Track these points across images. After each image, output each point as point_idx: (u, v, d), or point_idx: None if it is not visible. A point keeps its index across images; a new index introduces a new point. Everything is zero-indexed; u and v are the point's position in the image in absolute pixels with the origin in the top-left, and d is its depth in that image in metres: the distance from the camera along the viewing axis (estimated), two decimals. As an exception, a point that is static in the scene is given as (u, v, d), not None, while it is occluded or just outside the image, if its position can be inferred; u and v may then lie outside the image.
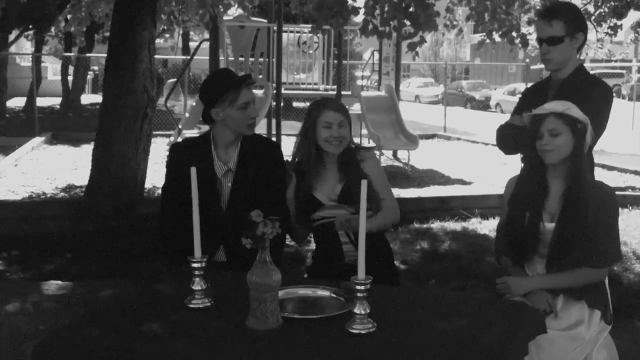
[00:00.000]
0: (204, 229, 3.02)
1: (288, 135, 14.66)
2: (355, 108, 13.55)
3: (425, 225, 7.19)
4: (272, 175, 3.28)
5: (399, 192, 8.30)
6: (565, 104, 2.90)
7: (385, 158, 12.10)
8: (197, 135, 3.53)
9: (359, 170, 3.25)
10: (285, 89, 12.31)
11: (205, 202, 3.09)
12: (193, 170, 2.47)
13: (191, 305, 2.46)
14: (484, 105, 31.22)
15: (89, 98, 25.20)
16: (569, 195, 2.83)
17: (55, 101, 22.92)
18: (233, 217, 3.15)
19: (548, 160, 2.87)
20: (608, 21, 8.95)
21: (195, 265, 2.48)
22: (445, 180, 10.31)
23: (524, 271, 2.96)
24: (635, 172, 10.11)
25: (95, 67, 29.27)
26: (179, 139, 10.70)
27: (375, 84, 13.84)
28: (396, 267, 3.47)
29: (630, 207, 7.86)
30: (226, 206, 3.25)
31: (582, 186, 2.83)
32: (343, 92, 12.24)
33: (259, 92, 11.32)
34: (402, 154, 12.14)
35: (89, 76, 26.09)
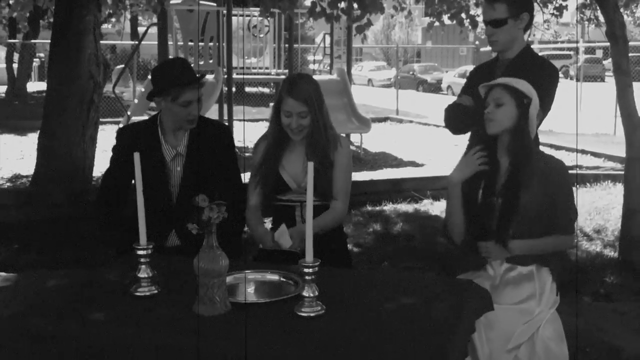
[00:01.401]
0: (154, 215, 3.02)
1: (240, 120, 14.57)
2: (308, 92, 13.50)
3: (378, 208, 7.23)
4: (224, 158, 3.29)
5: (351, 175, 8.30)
6: (518, 80, 2.93)
7: (338, 142, 12.08)
8: (145, 119, 3.47)
9: (326, 157, 3.17)
10: (237, 74, 12.18)
11: (154, 187, 3.08)
12: (136, 155, 2.42)
13: (137, 293, 2.42)
14: (435, 87, 31.47)
15: (36, 86, 24.59)
16: (513, 167, 2.87)
17: (1, 89, 22.33)
18: (184, 201, 3.12)
19: (489, 130, 2.90)
20: (554, 2, 9.06)
21: (140, 252, 2.43)
22: (398, 163, 10.37)
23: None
24: (582, 151, 10.29)
25: (42, 54, 28.57)
26: (128, 126, 10.54)
27: (327, 67, 13.79)
28: (349, 251, 3.45)
29: (577, 186, 8.02)
30: (177, 191, 3.24)
31: (526, 157, 2.86)
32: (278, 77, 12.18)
33: (209, 77, 11.19)
34: (354, 138, 12.15)
35: (35, 63, 25.47)
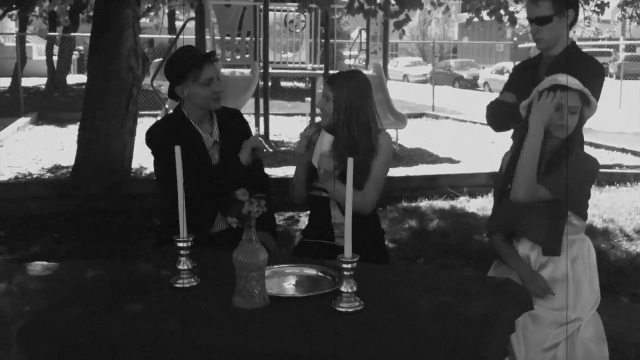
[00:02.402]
0: (201, 202, 3.05)
1: (276, 114, 14.64)
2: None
3: (413, 204, 7.20)
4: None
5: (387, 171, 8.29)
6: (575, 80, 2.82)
7: (374, 137, 12.05)
8: (165, 115, 3.51)
9: (351, 145, 3.12)
10: (273, 68, 12.22)
11: (202, 175, 3.10)
12: (177, 149, 2.43)
13: (177, 285, 2.44)
14: (472, 84, 31.20)
15: (75, 78, 24.96)
16: (554, 158, 2.81)
17: (41, 81, 22.68)
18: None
19: (563, 135, 2.80)
20: (595, -1, 8.93)
21: (180, 244, 2.45)
22: (434, 159, 10.31)
23: (513, 248, 2.95)
24: (622, 150, 10.13)
25: (81, 47, 28.97)
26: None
27: (363, 63, 13.75)
28: (385, 247, 3.42)
29: (617, 185, 7.88)
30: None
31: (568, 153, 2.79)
32: (330, 71, 12.17)
33: (246, 72, 11.24)
34: (390, 133, 12.10)
35: (74, 56, 25.82)
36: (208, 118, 3.30)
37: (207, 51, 3.26)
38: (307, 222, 3.44)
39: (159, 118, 11.42)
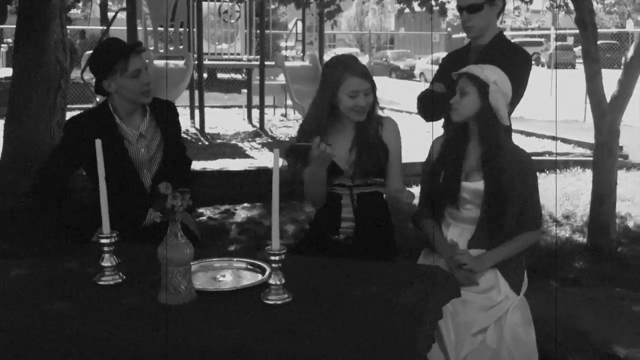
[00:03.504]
0: (128, 198, 3.03)
1: (212, 107, 14.48)
2: (280, 79, 13.43)
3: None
4: (175, 135, 3.34)
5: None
6: (483, 67, 2.92)
7: (311, 128, 12.05)
8: (92, 107, 3.43)
9: (377, 138, 3.09)
10: (208, 60, 12.08)
11: (119, 171, 3.03)
12: (98, 142, 2.36)
13: (101, 282, 2.38)
14: (408, 74, 31.53)
15: (4, 72, 24.08)
16: (487, 156, 2.88)
17: (-33, 75, 21.91)
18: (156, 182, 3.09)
19: (453, 118, 2.94)
20: (525, -11, 9.11)
21: (104, 240, 2.38)
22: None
23: (442, 235, 2.99)
24: (553, 138, 10.36)
25: (10, 40, 28.05)
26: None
27: (300, 54, 13.72)
28: (395, 243, 3.25)
29: (547, 172, 8.08)
30: (147, 172, 3.21)
31: (498, 147, 2.87)
32: (267, 63, 12.11)
33: (180, 63, 11.08)
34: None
35: (2, 49, 25.01)
36: (140, 111, 3.22)
37: (133, 42, 3.17)
38: (312, 220, 3.32)
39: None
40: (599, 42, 5.23)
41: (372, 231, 3.09)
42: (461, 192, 2.92)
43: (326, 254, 2.99)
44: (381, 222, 3.17)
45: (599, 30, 5.29)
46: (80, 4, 17.02)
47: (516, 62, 3.37)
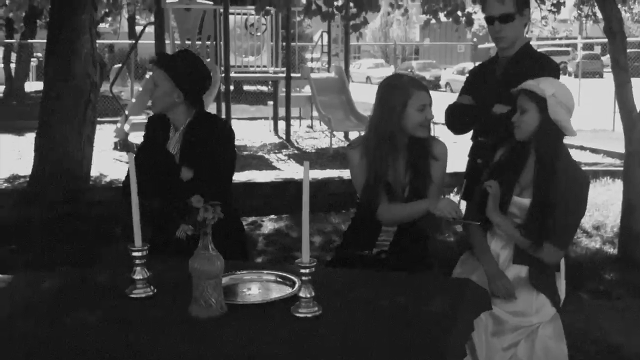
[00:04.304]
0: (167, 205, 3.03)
1: (239, 119, 14.56)
2: (306, 90, 13.49)
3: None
4: (214, 153, 3.14)
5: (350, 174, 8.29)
6: (539, 80, 2.82)
7: (337, 140, 12.08)
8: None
9: (429, 154, 3.01)
10: (234, 72, 12.16)
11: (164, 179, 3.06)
12: (130, 156, 2.39)
13: (132, 295, 2.40)
14: (434, 85, 31.41)
15: (33, 85, 24.47)
16: (541, 174, 2.79)
17: (-2, 90, 22.28)
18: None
19: (517, 136, 2.84)
20: (551, -2, 9.05)
21: (136, 254, 2.41)
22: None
23: (486, 242, 2.95)
24: (581, 148, 10.26)
25: (39, 54, 28.48)
26: (126, 125, 10.50)
27: (325, 65, 13.76)
28: (430, 257, 3.18)
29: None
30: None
31: (552, 165, 2.78)
32: (293, 75, 12.17)
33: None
34: (353, 135, 12.12)
35: (32, 63, 25.37)
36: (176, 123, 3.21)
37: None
38: (346, 232, 3.26)
39: (118, 125, 11.31)
40: (627, 51, 5.18)
41: (407, 245, 3.05)
42: (510, 206, 2.85)
43: (359, 267, 2.97)
44: (419, 236, 3.12)
45: (627, 39, 5.25)
46: (109, 19, 17.19)
47: (544, 72, 3.32)
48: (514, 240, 2.85)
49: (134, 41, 13.93)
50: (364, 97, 21.23)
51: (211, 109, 11.35)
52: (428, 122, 2.95)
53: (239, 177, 8.07)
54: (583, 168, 8.52)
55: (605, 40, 5.18)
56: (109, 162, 9.39)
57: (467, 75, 3.81)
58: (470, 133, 3.60)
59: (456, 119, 3.57)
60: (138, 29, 20.21)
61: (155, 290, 2.42)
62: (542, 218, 2.76)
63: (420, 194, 2.98)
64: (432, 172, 3.00)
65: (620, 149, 5.82)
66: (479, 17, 8.72)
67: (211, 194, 3.19)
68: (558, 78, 3.41)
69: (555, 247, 2.80)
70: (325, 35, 13.84)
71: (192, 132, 3.15)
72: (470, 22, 8.09)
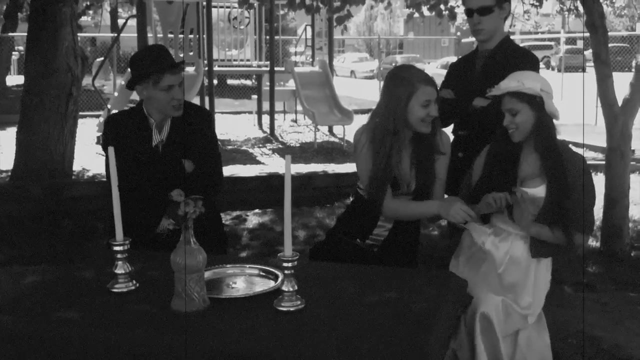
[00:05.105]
0: (147, 203, 2.96)
1: (222, 113, 14.51)
2: (290, 84, 13.46)
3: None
4: (204, 144, 3.20)
5: (334, 168, 8.29)
6: (520, 78, 2.80)
7: (321, 134, 12.08)
8: (129, 108, 3.33)
9: (434, 149, 2.96)
10: (218, 66, 12.11)
11: (145, 175, 3.02)
12: (111, 149, 2.38)
13: (114, 290, 2.38)
14: (418, 79, 31.46)
15: (15, 79, 24.25)
16: (548, 162, 2.78)
17: (-21, 83, 22.01)
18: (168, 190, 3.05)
19: (515, 139, 2.82)
20: (534, -8, 9.09)
21: (117, 248, 2.39)
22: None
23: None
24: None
25: (21, 47, 28.21)
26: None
27: (309, 59, 13.73)
28: (416, 252, 3.17)
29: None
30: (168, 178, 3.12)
31: (556, 151, 2.78)
32: (276, 68, 12.13)
33: (189, 70, 11.11)
34: (337, 130, 12.13)
35: (14, 56, 25.13)
36: (165, 119, 3.17)
37: (179, 61, 3.15)
38: (341, 217, 3.24)
39: (101, 119, 11.23)
40: (609, 45, 5.21)
41: (400, 242, 3.04)
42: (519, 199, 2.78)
43: (345, 257, 2.96)
44: (412, 233, 3.11)
45: (609, 33, 5.27)
46: (91, 12, 17.05)
47: (523, 65, 3.33)
48: (541, 237, 2.82)
49: (116, 34, 13.82)
50: (348, 91, 21.30)
51: (194, 102, 11.31)
52: (431, 118, 2.89)
53: (223, 171, 8.04)
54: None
55: (588, 34, 5.20)
56: (91, 157, 9.32)
57: (448, 69, 3.82)
58: (451, 127, 3.61)
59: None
60: (120, 22, 20.08)
61: (137, 285, 2.41)
62: (562, 206, 2.75)
63: (426, 190, 2.95)
64: (437, 167, 2.96)
65: (603, 143, 5.86)
66: (462, 11, 8.73)
67: (214, 183, 3.22)
68: (537, 71, 3.42)
69: (579, 232, 2.80)
70: (309, 29, 13.81)
71: (182, 123, 3.15)
72: (453, 16, 8.09)
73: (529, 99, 2.76)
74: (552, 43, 30.55)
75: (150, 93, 3.06)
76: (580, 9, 6.14)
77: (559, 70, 15.68)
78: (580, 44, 31.20)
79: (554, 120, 2.81)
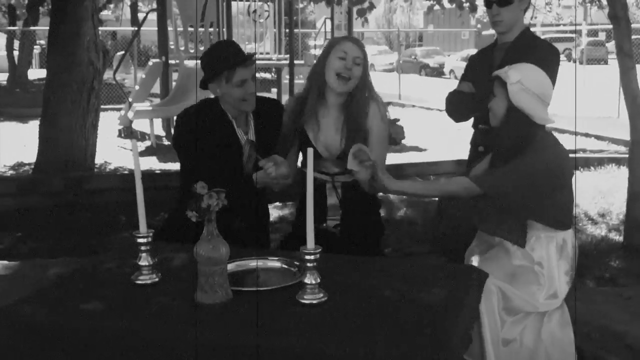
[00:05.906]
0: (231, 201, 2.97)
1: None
2: (309, 77, 13.43)
3: (380, 193, 7.18)
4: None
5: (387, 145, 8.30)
6: (513, 66, 2.81)
7: (340, 127, 12.05)
8: (201, 100, 3.29)
9: (365, 124, 2.98)
10: (237, 59, 12.12)
11: (230, 172, 3.00)
12: (134, 142, 2.39)
13: (138, 282, 2.40)
14: (438, 72, 31.33)
15: (37, 73, 24.48)
16: (497, 155, 2.87)
17: (1, 77, 22.25)
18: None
19: (492, 123, 2.89)
20: (556, -16, 9.00)
21: (140, 240, 2.40)
22: (400, 148, 10.25)
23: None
24: (586, 135, 10.23)
25: (42, 41, 28.45)
26: (130, 112, 10.49)
27: (329, 52, 13.69)
28: (381, 220, 3.31)
29: (582, 169, 7.98)
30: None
31: (514, 147, 2.79)
32: (296, 62, 12.12)
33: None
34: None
35: (35, 50, 25.35)
36: (244, 115, 3.21)
37: (248, 53, 3.17)
38: (295, 213, 3.28)
39: (122, 112, 11.30)
40: (632, 37, 5.15)
41: (359, 220, 3.07)
42: None
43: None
44: (368, 209, 3.17)
45: (632, 25, 5.21)
46: (112, 6, 17.14)
47: (544, 57, 3.29)
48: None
49: (136, 28, 13.89)
50: (368, 84, 21.23)
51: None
52: (346, 71, 2.94)
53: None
54: (588, 155, 8.50)
55: (610, 26, 5.14)
56: (113, 150, 9.39)
57: (467, 62, 3.81)
58: (472, 120, 3.60)
59: (455, 107, 3.57)
60: (140, 15, 20.18)
61: (161, 277, 2.42)
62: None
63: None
64: (371, 138, 3.00)
65: (625, 136, 5.80)
66: (481, 3, 8.68)
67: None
68: (558, 64, 3.38)
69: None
70: (329, 22, 13.78)
71: (260, 118, 3.21)
72: (473, 8, 8.03)
73: (504, 86, 2.78)
74: (574, 35, 30.27)
75: (224, 90, 3.09)
76: (603, 0, 6.08)
77: (581, 63, 15.53)
78: (602, 36, 30.90)
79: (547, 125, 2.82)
